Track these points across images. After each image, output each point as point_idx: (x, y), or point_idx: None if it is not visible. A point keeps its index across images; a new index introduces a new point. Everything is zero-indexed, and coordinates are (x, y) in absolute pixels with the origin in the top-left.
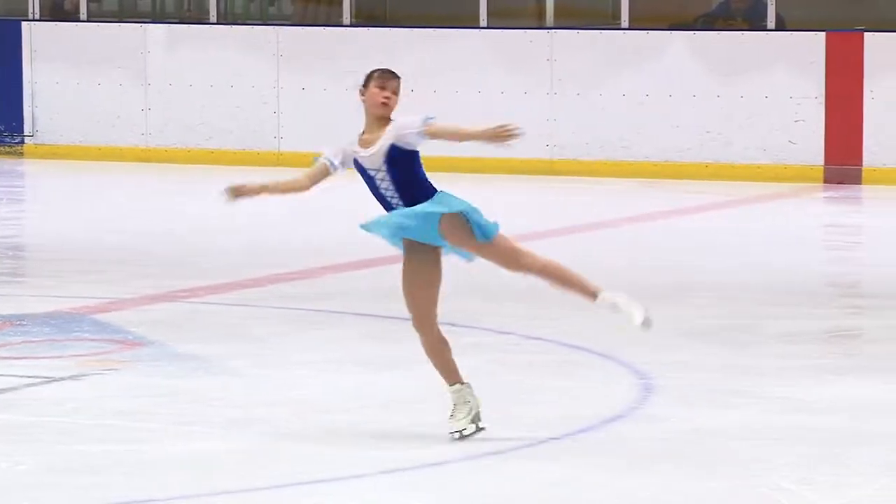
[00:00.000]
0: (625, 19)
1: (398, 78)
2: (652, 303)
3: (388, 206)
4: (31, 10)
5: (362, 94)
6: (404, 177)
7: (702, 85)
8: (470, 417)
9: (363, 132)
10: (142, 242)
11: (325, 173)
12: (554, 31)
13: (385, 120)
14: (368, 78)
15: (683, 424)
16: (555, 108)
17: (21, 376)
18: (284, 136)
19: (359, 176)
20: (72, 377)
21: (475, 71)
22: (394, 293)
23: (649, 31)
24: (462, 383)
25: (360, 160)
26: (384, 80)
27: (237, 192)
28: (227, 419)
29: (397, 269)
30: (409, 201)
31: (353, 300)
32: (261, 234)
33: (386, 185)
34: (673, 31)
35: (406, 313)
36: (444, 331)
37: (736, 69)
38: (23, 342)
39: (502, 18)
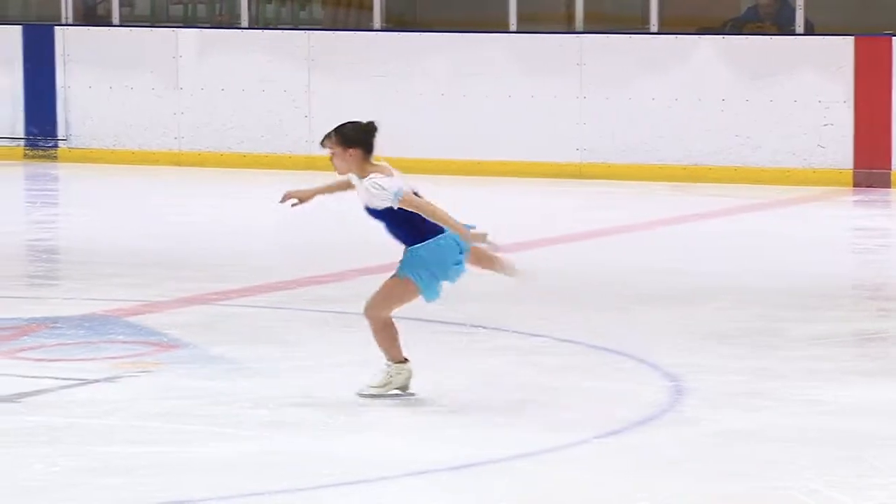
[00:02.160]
0: (654, 23)
1: (328, 136)
2: (681, 305)
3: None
4: (63, 14)
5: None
6: (391, 225)
7: (731, 89)
8: (383, 389)
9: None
10: (175, 246)
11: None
12: (583, 35)
13: (361, 170)
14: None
15: (712, 427)
16: (584, 112)
17: (55, 378)
18: (316, 139)
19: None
20: (106, 379)
21: (505, 75)
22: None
23: (678, 36)
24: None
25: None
26: (327, 146)
27: (293, 196)
28: (260, 421)
29: None
30: (410, 240)
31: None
32: (292, 236)
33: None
34: (702, 36)
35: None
36: (475, 332)
37: (765, 73)
38: (57, 344)
39: (532, 23)
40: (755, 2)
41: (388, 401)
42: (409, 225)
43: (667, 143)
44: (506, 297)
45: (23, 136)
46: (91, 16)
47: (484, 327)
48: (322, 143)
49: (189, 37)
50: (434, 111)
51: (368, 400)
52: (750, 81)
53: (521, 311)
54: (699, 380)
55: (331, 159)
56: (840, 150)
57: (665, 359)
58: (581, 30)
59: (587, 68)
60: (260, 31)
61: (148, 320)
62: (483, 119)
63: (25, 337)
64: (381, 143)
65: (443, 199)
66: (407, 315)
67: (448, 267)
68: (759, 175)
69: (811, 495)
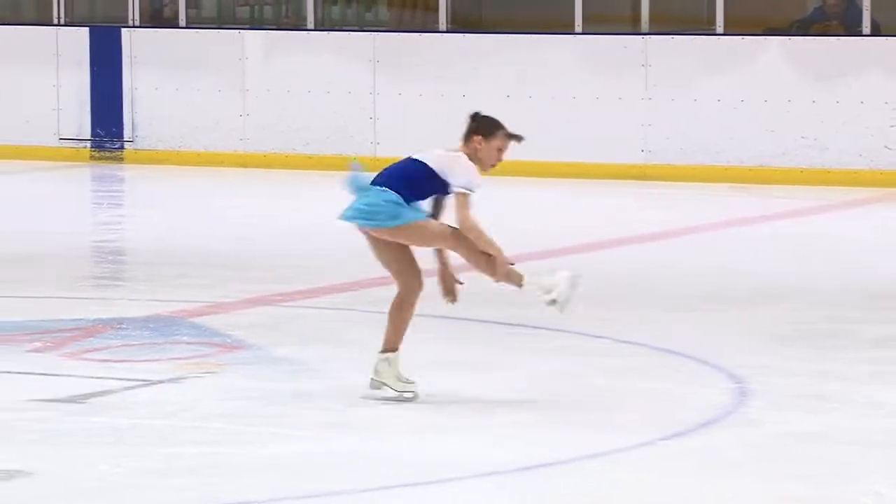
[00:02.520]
0: (720, 24)
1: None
2: (745, 307)
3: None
4: (130, 16)
5: (479, 142)
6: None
7: (797, 90)
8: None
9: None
10: (239, 247)
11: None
12: (648, 36)
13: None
14: (492, 131)
15: (776, 429)
16: (649, 113)
17: (120, 379)
18: (381, 141)
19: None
20: (170, 380)
21: (569, 77)
22: (490, 297)
23: (744, 36)
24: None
25: None
26: (506, 143)
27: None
28: (324, 422)
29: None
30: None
31: (436, 303)
32: (355, 237)
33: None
34: (768, 36)
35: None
36: (532, 334)
37: (831, 74)
38: (122, 345)
39: (597, 24)
40: (822, 2)
41: (451, 402)
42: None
43: (732, 144)
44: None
45: (89, 138)
46: (157, 17)
47: (545, 328)
48: (503, 147)
49: (255, 38)
50: (499, 113)
51: (432, 401)
52: (816, 82)
53: (582, 313)
54: (763, 382)
55: (494, 165)
56: None
57: (729, 360)
58: (646, 31)
59: (652, 69)
60: (326, 32)
61: (212, 321)
62: (547, 120)
63: (91, 338)
64: (445, 145)
65: (507, 200)
66: (466, 316)
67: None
68: (826, 176)
69: (876, 498)
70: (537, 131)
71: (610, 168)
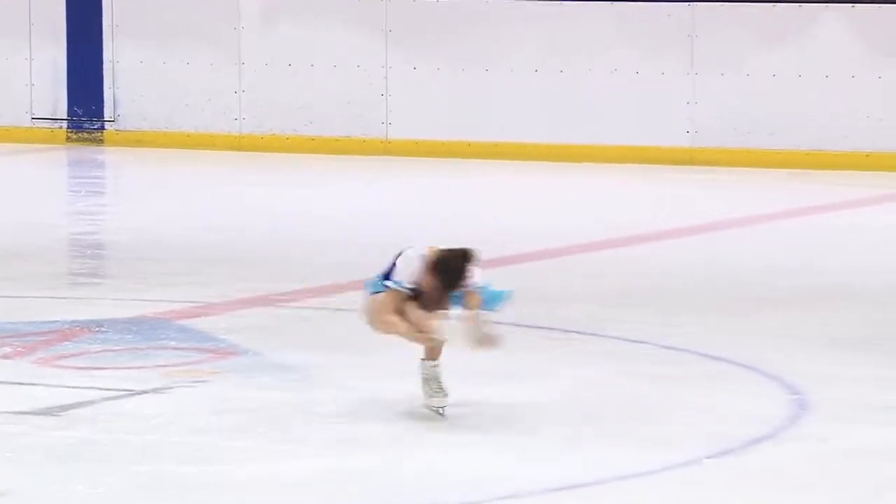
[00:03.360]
0: None
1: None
2: (804, 308)
3: None
4: None
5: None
6: None
7: (861, 64)
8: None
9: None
10: (235, 240)
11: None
12: (695, 3)
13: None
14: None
15: (839, 444)
16: (695, 89)
17: (101, 389)
18: (393, 121)
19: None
20: (156, 390)
21: (608, 49)
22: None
23: (802, 4)
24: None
25: None
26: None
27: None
28: (330, 437)
29: (516, 271)
30: None
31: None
32: (367, 231)
33: None
34: (829, 4)
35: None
36: (566, 338)
37: None
38: (102, 351)
39: None
40: None
41: (472, 414)
42: None
43: (788, 125)
44: (602, 298)
45: (65, 118)
46: None
47: (578, 332)
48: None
49: (252, 5)
50: (526, 90)
51: (451, 413)
52: (883, 56)
53: (622, 315)
54: (824, 391)
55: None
56: None
57: (785, 368)
58: None
59: (699, 41)
60: None
61: (204, 324)
62: (580, 98)
63: (67, 342)
64: (464, 127)
65: (534, 187)
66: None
67: None
68: (892, 161)
69: None
70: (569, 110)
71: (651, 151)
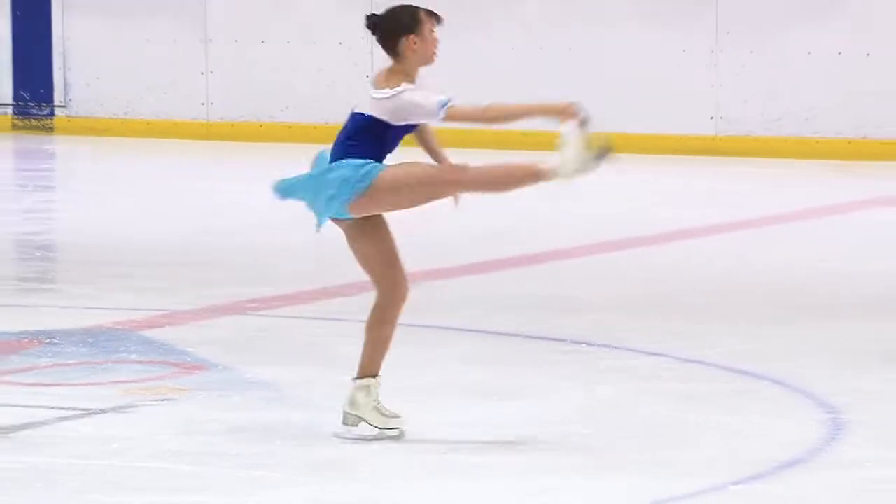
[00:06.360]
0: None
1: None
2: (842, 317)
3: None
4: None
5: (413, 42)
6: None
7: None
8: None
9: (403, 77)
10: (202, 241)
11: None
12: None
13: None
14: (416, 18)
15: (881, 472)
16: (721, 70)
17: (52, 408)
18: None
19: None
20: (115, 409)
21: (621, 24)
22: (505, 306)
23: None
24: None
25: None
26: (436, 22)
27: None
28: (308, 462)
29: (509, 277)
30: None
31: (458, 313)
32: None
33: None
34: None
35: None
36: (574, 350)
37: None
38: (54, 365)
39: None
40: None
41: (467, 438)
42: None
43: (826, 110)
44: (618, 307)
45: (11, 103)
46: None
47: (589, 344)
48: (439, 22)
49: None
50: (529, 69)
51: (441, 436)
52: None
53: (637, 325)
54: (863, 411)
55: (436, 53)
56: None
57: (819, 385)
58: None
59: (724, 13)
60: None
61: (168, 335)
62: (592, 79)
63: (14, 356)
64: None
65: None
66: (489, 327)
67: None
68: None
69: None
70: (577, 93)
71: (672, 140)
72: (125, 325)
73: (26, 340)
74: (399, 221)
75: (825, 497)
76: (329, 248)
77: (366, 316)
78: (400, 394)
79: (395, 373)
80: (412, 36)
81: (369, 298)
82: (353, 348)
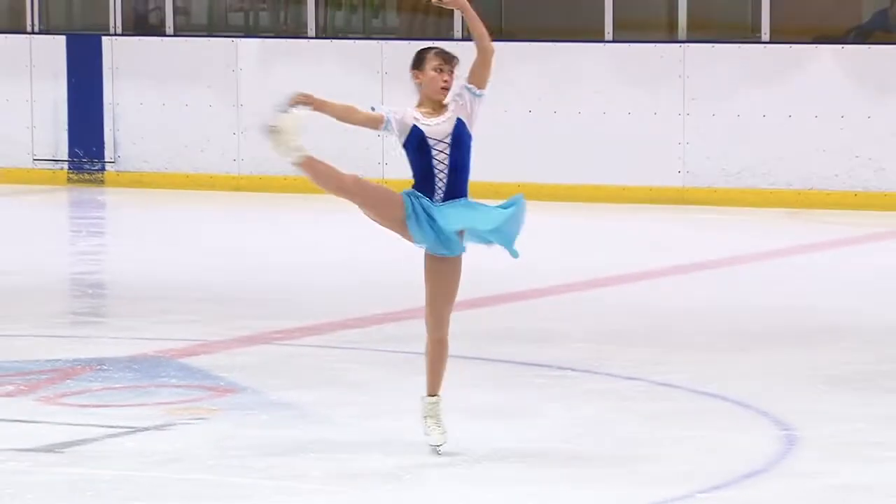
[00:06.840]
0: (765, 32)
1: (456, 58)
2: (795, 346)
3: (430, 185)
4: (112, 23)
5: (417, 76)
6: (459, 161)
7: (852, 104)
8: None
9: (419, 105)
10: (234, 280)
11: (376, 122)
12: (687, 44)
13: (441, 104)
14: (421, 59)
15: (830, 481)
16: (687, 130)
17: (100, 426)
18: (390, 161)
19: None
20: (157, 427)
21: (599, 89)
22: (510, 335)
23: (793, 45)
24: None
25: (421, 128)
26: (443, 62)
27: (300, 101)
28: (329, 473)
29: (513, 309)
30: (450, 190)
31: (466, 342)
32: (363, 269)
33: (440, 160)
34: (819, 45)
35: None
36: (560, 375)
37: (889, 87)
38: (103, 388)
39: (630, 31)
40: (890, 3)
41: (471, 450)
42: (466, 170)
43: (780, 164)
44: (597, 335)
45: (66, 159)
46: (142, 24)
47: (573, 369)
48: (443, 68)
49: (250, 47)
50: (520, 129)
51: (449, 449)
52: (874, 96)
53: (613, 352)
54: (815, 429)
55: (446, 86)
56: None
57: (777, 405)
58: (684, 38)
59: (691, 81)
60: (328, 40)
61: (203, 362)
62: (573, 137)
63: (69, 381)
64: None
65: (532, 228)
66: (484, 355)
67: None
68: (883, 200)
69: None
70: (562, 150)
71: (644, 191)
72: (166, 354)
73: (79, 367)
74: (384, 263)
75: (781, 502)
76: (347, 284)
77: (380, 345)
78: (410, 415)
79: (405, 396)
80: (415, 71)
81: (384, 329)
82: (370, 373)
